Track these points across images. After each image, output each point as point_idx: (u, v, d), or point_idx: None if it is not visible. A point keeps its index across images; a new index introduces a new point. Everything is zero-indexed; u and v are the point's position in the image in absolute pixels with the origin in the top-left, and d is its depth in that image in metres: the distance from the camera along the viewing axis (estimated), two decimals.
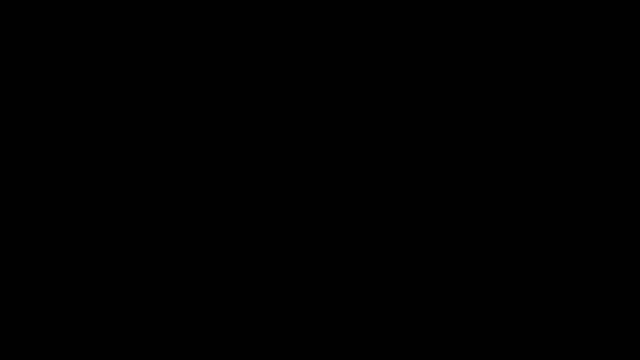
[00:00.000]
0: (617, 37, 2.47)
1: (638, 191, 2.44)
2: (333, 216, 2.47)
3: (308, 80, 2.49)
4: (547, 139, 2.47)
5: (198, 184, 2.47)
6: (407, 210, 2.47)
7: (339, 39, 2.50)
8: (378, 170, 2.47)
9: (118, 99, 2.49)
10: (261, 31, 2.50)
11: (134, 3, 2.49)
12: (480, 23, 2.49)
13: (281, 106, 2.50)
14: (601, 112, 2.47)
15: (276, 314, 2.44)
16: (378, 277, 2.45)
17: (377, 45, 2.50)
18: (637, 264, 2.43)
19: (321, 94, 2.49)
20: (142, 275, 2.45)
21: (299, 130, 2.49)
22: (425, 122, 2.48)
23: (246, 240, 2.47)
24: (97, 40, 2.49)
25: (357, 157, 2.48)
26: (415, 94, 2.49)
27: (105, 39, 2.49)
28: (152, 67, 2.49)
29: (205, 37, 2.50)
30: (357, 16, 2.50)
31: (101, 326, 2.43)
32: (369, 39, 2.50)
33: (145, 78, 2.49)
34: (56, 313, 2.43)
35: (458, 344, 2.43)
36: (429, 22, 2.49)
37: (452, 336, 2.43)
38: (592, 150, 2.46)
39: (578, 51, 2.48)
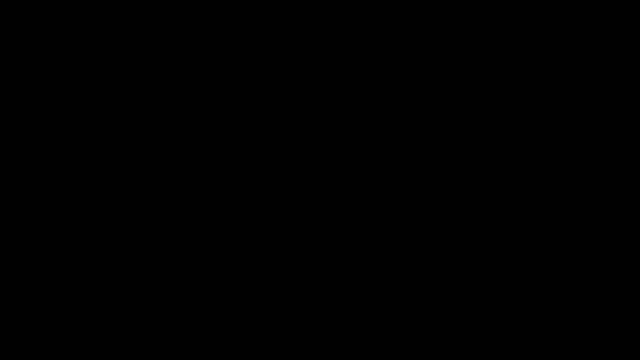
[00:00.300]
0: (617, 37, 2.48)
1: (639, 191, 2.44)
2: (333, 216, 2.47)
3: (308, 80, 2.50)
4: (547, 139, 2.47)
5: (198, 184, 2.47)
6: (407, 210, 2.47)
7: (339, 39, 2.50)
8: (378, 170, 2.48)
9: (117, 99, 2.49)
10: (261, 31, 2.50)
11: (134, 3, 2.49)
12: (480, 23, 2.49)
13: (281, 106, 2.50)
14: (601, 112, 2.47)
15: (276, 314, 2.45)
16: (378, 277, 2.45)
17: (377, 45, 2.50)
18: (637, 264, 2.43)
19: (321, 94, 2.50)
20: (142, 275, 2.45)
21: (299, 130, 2.49)
22: (425, 122, 2.48)
23: (246, 240, 2.47)
24: (97, 40, 2.49)
25: (357, 157, 2.48)
26: (415, 94, 2.49)
27: (105, 39, 2.49)
28: (152, 67, 2.49)
29: (205, 37, 2.50)
30: (357, 16, 2.50)
31: (101, 326, 2.43)
32: (369, 39, 2.50)
33: (145, 78, 2.49)
34: (56, 313, 2.43)
35: (458, 344, 2.43)
36: (429, 22, 2.49)
37: (452, 336, 2.43)
38: (592, 150, 2.46)
39: (578, 51, 2.48)
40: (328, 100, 2.49)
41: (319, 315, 2.44)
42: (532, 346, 2.42)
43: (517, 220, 2.45)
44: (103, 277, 2.45)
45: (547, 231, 2.45)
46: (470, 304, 2.44)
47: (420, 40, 2.49)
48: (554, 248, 2.44)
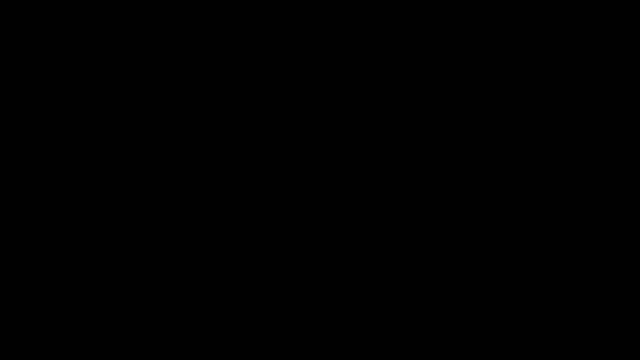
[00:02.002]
0: (617, 37, 2.48)
1: (639, 191, 2.45)
2: (334, 216, 2.47)
3: (308, 80, 2.50)
4: (547, 139, 2.47)
5: (198, 184, 2.48)
6: (407, 210, 2.47)
7: (339, 39, 2.50)
8: (378, 170, 2.48)
9: (118, 99, 2.49)
10: (261, 31, 2.51)
11: (134, 3, 2.49)
12: (480, 23, 2.49)
13: (281, 106, 2.50)
14: (601, 112, 2.47)
15: (276, 314, 2.45)
16: (378, 277, 2.46)
17: (377, 45, 2.50)
18: (637, 264, 2.43)
19: (321, 94, 2.50)
20: (142, 275, 2.45)
21: (299, 130, 2.49)
22: (425, 122, 2.48)
23: (246, 240, 2.47)
24: (97, 40, 2.50)
25: (357, 157, 2.48)
26: (415, 94, 2.49)
27: (105, 39, 2.50)
28: (152, 67, 2.49)
29: (205, 37, 2.50)
30: (357, 16, 2.50)
31: (101, 326, 2.43)
32: (369, 39, 2.50)
33: (145, 78, 2.49)
34: (56, 313, 2.44)
35: (458, 344, 2.43)
36: (429, 22, 2.50)
37: (452, 336, 2.43)
38: (592, 150, 2.46)
39: (578, 51, 2.48)
40: (328, 100, 2.50)
41: (319, 315, 2.44)
42: (532, 346, 2.42)
43: (517, 220, 2.46)
44: (103, 277, 2.45)
45: (547, 231, 2.45)
46: (470, 304, 2.44)
47: (420, 40, 2.50)
48: (554, 248, 2.44)
